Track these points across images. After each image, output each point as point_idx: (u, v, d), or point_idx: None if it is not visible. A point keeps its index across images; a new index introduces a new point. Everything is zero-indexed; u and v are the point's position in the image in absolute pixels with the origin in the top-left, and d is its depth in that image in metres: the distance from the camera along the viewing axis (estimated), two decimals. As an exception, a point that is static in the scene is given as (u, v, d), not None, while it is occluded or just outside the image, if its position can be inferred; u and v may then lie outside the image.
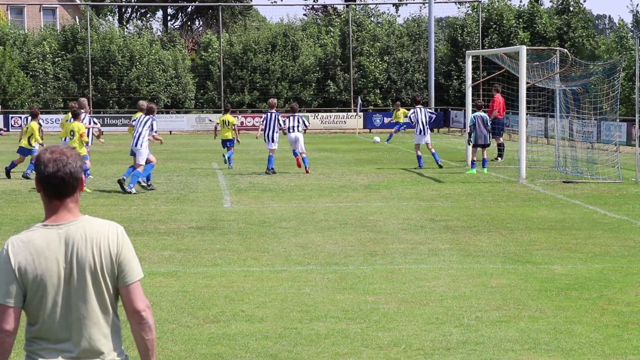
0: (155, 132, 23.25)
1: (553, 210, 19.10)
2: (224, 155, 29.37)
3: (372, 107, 58.73)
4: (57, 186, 4.42)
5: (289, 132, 27.13)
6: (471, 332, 9.52)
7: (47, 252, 4.41)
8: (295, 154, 27.73)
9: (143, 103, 24.10)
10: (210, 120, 55.12)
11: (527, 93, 26.85)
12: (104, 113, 56.02)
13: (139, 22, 69.01)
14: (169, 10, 78.83)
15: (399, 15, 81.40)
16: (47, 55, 58.02)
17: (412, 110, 29.89)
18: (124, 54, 58.35)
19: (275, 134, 27.07)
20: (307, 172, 27.32)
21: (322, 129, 54.38)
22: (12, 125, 52.35)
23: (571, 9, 59.20)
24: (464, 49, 53.13)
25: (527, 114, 28.43)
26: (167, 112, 56.10)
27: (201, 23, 79.10)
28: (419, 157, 28.80)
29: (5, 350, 4.37)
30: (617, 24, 56.77)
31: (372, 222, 17.51)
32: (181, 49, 61.51)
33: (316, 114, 56.11)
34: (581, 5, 59.36)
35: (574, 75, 28.60)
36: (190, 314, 10.39)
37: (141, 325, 4.51)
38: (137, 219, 17.98)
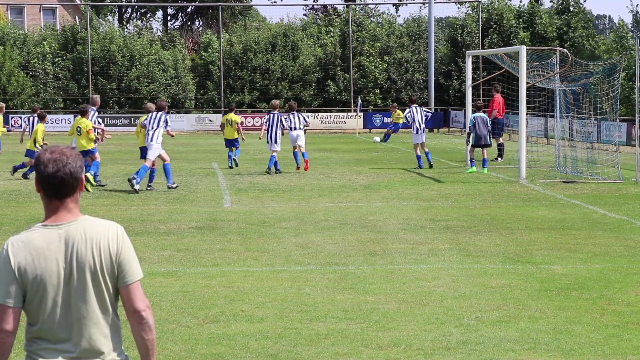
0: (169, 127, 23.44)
1: (553, 210, 19.10)
2: (233, 158, 29.39)
3: (372, 107, 58.73)
4: (57, 186, 4.42)
5: (290, 130, 27.36)
6: (471, 332, 9.52)
7: (47, 252, 4.41)
8: (295, 155, 27.82)
9: (151, 105, 24.29)
10: (210, 120, 55.15)
11: (527, 93, 26.85)
12: (104, 113, 56.00)
13: (139, 22, 69.03)
14: (169, 10, 78.83)
15: (399, 15, 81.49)
16: (47, 55, 58.03)
17: (407, 110, 29.91)
18: (124, 54, 58.36)
19: (278, 135, 27.16)
20: (306, 165, 27.69)
21: (322, 129, 54.38)
22: (12, 125, 52.31)
23: (571, 9, 59.19)
24: (464, 49, 53.13)
25: (527, 114, 28.43)
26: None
27: (201, 23, 79.11)
28: (418, 157, 28.81)
29: (5, 350, 4.37)
30: (617, 24, 56.77)
31: (372, 222, 17.50)
32: (181, 49, 61.52)
33: (316, 114, 56.11)
34: (581, 5, 59.36)
35: (574, 75, 28.60)
36: (190, 314, 10.39)
37: (141, 325, 4.51)
38: (137, 219, 17.98)
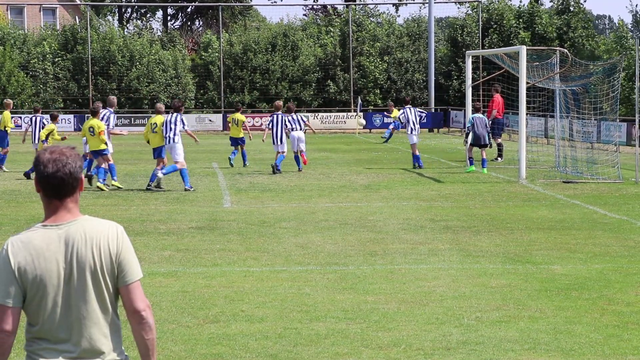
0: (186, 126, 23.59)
1: (553, 210, 19.10)
2: (229, 157, 29.85)
3: (372, 107, 58.73)
4: (57, 186, 4.42)
5: (290, 131, 27.56)
6: (471, 332, 9.52)
7: (46, 253, 4.41)
8: (296, 157, 27.96)
9: (161, 106, 24.49)
10: (210, 120, 55.15)
11: (527, 93, 26.85)
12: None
13: (139, 22, 69.03)
14: (169, 10, 78.84)
15: (398, 16, 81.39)
16: (47, 55, 58.03)
17: (401, 111, 29.92)
18: (124, 54, 58.36)
19: (282, 135, 27.27)
20: (304, 161, 27.91)
21: (322, 129, 54.37)
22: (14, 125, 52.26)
23: (571, 9, 59.18)
24: (464, 49, 53.12)
25: (527, 114, 28.43)
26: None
27: (201, 23, 79.11)
28: (418, 157, 28.82)
29: (5, 351, 4.37)
30: (617, 24, 56.77)
31: (372, 222, 17.50)
32: (181, 49, 61.51)
33: (316, 114, 56.11)
34: (581, 6, 59.34)
35: (574, 75, 28.60)
36: (190, 314, 10.39)
37: (141, 325, 4.51)
38: (137, 219, 17.98)
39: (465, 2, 61.93)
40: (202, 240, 15.51)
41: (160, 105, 24.54)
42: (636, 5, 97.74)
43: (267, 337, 9.41)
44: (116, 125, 25.26)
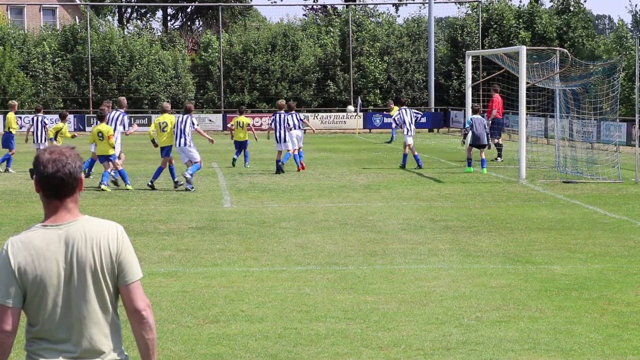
0: (198, 126, 23.74)
1: (553, 210, 19.10)
2: (232, 163, 30.11)
3: (372, 107, 58.73)
4: (57, 187, 4.42)
5: (290, 130, 27.75)
6: (471, 332, 9.52)
7: (46, 253, 4.41)
8: (295, 157, 28.06)
9: (168, 105, 24.63)
10: (210, 120, 55.15)
11: (527, 93, 26.85)
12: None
13: (139, 22, 69.02)
14: (169, 11, 78.84)
15: (398, 16, 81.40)
16: (47, 56, 58.03)
17: (396, 112, 29.97)
18: (124, 54, 58.36)
19: (285, 134, 27.35)
20: (302, 166, 27.98)
21: (322, 129, 54.37)
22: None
23: (571, 9, 59.17)
24: (464, 49, 53.14)
25: (527, 114, 28.44)
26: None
27: (201, 23, 79.11)
28: (416, 157, 28.85)
29: (5, 351, 4.37)
30: (617, 24, 56.76)
31: (372, 222, 17.50)
32: (181, 49, 61.51)
33: (316, 114, 56.11)
34: (581, 5, 59.32)
35: (574, 75, 28.60)
36: (190, 314, 10.39)
37: (142, 325, 4.51)
38: (137, 219, 17.98)
39: (465, 2, 61.93)
40: (202, 240, 15.51)
41: (167, 104, 24.63)
42: (635, 6, 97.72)
43: (267, 337, 9.41)
44: (131, 126, 25.38)
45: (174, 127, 23.37)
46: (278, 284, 11.94)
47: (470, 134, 27.26)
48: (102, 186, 22.94)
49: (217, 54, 59.79)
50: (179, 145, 23.18)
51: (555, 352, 8.85)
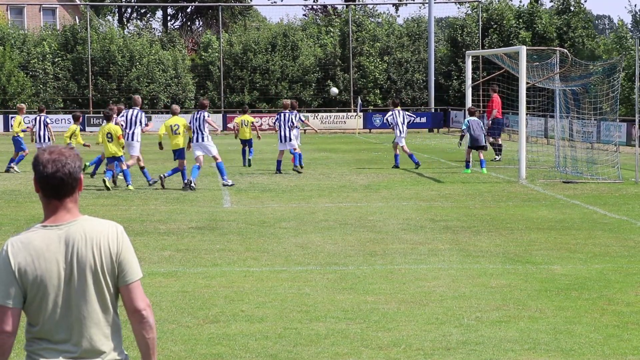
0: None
1: (553, 210, 19.10)
2: (248, 158, 30.39)
3: (372, 107, 58.72)
4: (56, 187, 4.42)
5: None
6: (471, 332, 9.52)
7: (46, 253, 4.41)
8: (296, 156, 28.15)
9: (177, 107, 24.82)
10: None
11: (527, 93, 26.85)
12: (103, 113, 55.98)
13: (139, 22, 69.02)
14: (169, 11, 78.83)
15: (398, 16, 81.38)
16: (47, 56, 58.04)
17: (389, 113, 30.01)
18: (123, 54, 58.37)
19: (290, 133, 27.41)
20: (293, 159, 28.15)
21: (322, 129, 54.39)
22: (11, 126, 52.29)
23: (572, 9, 59.16)
24: (464, 49, 53.13)
25: (527, 114, 28.44)
26: (167, 112, 56.11)
27: (201, 23, 79.10)
28: (411, 156, 28.89)
29: (5, 351, 4.37)
30: (617, 24, 56.76)
31: (372, 222, 17.50)
32: (181, 49, 61.52)
33: (316, 114, 56.12)
34: (582, 6, 59.32)
35: (574, 75, 28.59)
36: (190, 314, 10.38)
37: (142, 324, 4.51)
38: (137, 219, 17.98)
39: (465, 2, 61.94)
40: (202, 240, 15.50)
41: (176, 107, 24.84)
42: (635, 6, 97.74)
43: (267, 337, 9.41)
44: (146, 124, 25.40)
45: (189, 124, 23.69)
46: (278, 284, 11.94)
47: (467, 136, 27.33)
48: (105, 179, 23.12)
49: (217, 54, 59.79)
50: (197, 141, 23.61)
51: (555, 352, 8.85)
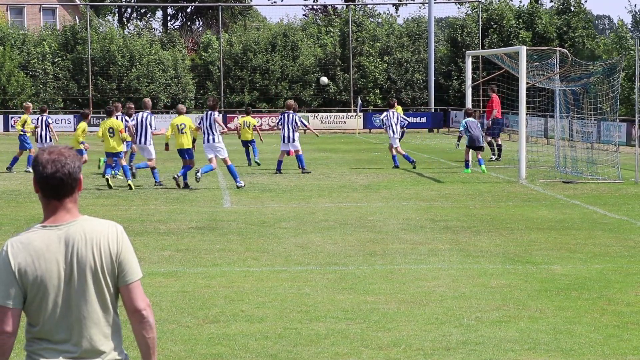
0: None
1: (553, 210, 19.10)
2: (255, 160, 30.59)
3: (372, 107, 58.73)
4: (56, 187, 4.42)
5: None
6: (471, 332, 9.52)
7: (46, 254, 4.40)
8: (298, 157, 28.18)
9: (183, 107, 24.85)
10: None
11: (527, 93, 26.85)
12: (103, 113, 55.97)
13: (138, 22, 69.03)
14: (169, 11, 78.84)
15: (398, 16, 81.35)
16: (47, 56, 58.04)
17: (384, 114, 30.03)
18: (123, 54, 58.37)
19: (294, 134, 27.30)
20: (290, 152, 28.26)
21: (322, 129, 54.39)
22: (11, 126, 52.37)
23: (572, 9, 59.16)
24: (464, 49, 53.13)
25: (527, 114, 28.44)
26: (167, 112, 56.14)
27: (201, 23, 79.11)
28: (405, 156, 28.89)
29: (5, 352, 4.37)
30: (617, 24, 56.76)
31: (372, 222, 17.50)
32: (181, 49, 61.52)
33: (316, 114, 56.12)
34: (582, 6, 59.32)
35: (574, 75, 28.59)
36: (190, 314, 10.38)
37: (142, 324, 4.51)
38: (137, 219, 17.98)
39: (465, 2, 61.94)
40: (202, 240, 15.50)
41: (182, 106, 24.90)
42: (635, 6, 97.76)
43: (267, 337, 9.41)
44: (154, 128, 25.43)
45: (198, 125, 23.69)
46: (278, 284, 11.94)
47: (465, 136, 27.33)
48: (107, 176, 23.24)
49: (217, 54, 59.79)
50: (207, 142, 23.51)
51: (555, 352, 8.85)
